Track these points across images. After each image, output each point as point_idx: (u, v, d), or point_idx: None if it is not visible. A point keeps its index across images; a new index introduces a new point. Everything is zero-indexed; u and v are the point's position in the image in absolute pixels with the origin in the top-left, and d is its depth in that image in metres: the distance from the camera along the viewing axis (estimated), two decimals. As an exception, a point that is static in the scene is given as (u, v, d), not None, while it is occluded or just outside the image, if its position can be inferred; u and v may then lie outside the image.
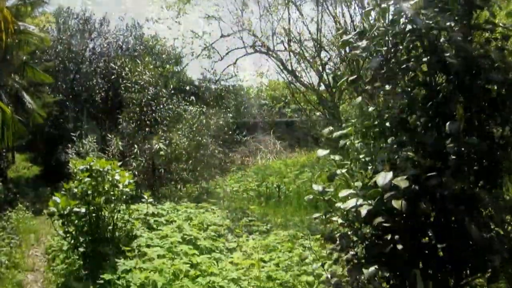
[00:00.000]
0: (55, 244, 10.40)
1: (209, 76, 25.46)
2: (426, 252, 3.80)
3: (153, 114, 13.15)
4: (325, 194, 4.33)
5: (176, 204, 11.74)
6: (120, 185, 8.09)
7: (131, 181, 8.34)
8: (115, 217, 8.50)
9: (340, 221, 4.33)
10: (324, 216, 4.61)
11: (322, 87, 26.08)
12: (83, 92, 23.36)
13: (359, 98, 4.57)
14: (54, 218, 7.88)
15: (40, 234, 12.53)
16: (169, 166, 13.10)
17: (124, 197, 8.49)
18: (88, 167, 8.00)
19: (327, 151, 4.33)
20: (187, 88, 20.65)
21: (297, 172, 19.81)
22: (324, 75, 25.42)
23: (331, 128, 4.64)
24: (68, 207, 7.49)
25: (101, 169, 8.00)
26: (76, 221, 7.85)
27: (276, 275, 7.54)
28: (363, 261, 3.93)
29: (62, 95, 21.71)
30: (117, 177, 8.09)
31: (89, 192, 7.99)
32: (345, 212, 4.11)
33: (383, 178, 3.39)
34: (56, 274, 8.92)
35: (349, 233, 4.20)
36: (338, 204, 4.19)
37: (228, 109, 14.89)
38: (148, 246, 8.70)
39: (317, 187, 4.35)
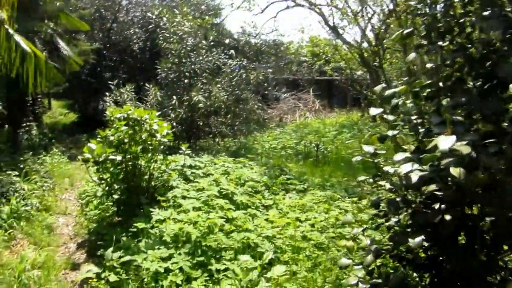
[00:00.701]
0: (89, 190, 10.43)
1: (249, 29, 25.06)
2: (470, 224, 3.61)
3: (192, 66, 12.88)
4: (376, 156, 4.07)
5: (214, 157, 11.59)
6: (158, 135, 7.92)
7: (169, 131, 8.14)
8: (152, 166, 8.33)
9: (388, 186, 4.06)
10: (372, 180, 4.35)
11: (364, 45, 25.55)
12: (120, 41, 23.19)
13: (413, 54, 4.23)
14: (88, 165, 7.78)
15: (74, 179, 12.63)
16: (207, 119, 12.89)
17: (162, 147, 8.34)
18: (126, 115, 7.84)
19: (380, 109, 4.01)
20: (226, 41, 20.22)
21: (335, 132, 19.52)
22: (368, 32, 24.82)
23: (383, 85, 4.30)
24: (104, 154, 7.35)
25: (138, 118, 7.83)
26: (112, 169, 7.71)
27: (311, 235, 7.39)
28: (408, 229, 3.78)
29: (99, 44, 21.63)
30: (155, 127, 7.90)
31: (126, 140, 7.84)
32: (394, 177, 3.86)
33: (445, 142, 3.04)
34: (88, 219, 8.94)
35: (397, 199, 3.95)
36: (387, 168, 3.90)
37: (268, 65, 14.43)
38: (183, 197, 8.59)
39: (368, 148, 4.05)
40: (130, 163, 7.90)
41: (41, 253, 7.39)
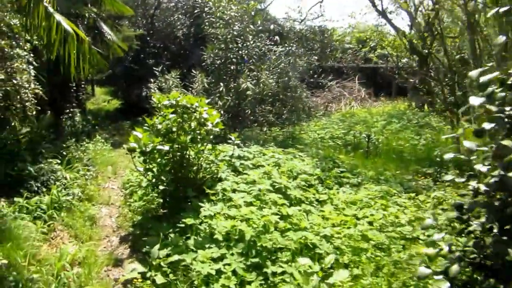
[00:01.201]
0: (133, 179, 9.93)
1: (294, 15, 24.13)
2: None
3: (240, 52, 12.20)
4: (473, 153, 3.60)
5: (262, 147, 10.94)
6: (209, 124, 7.27)
7: (219, 120, 7.49)
8: (200, 157, 7.72)
9: (482, 187, 3.53)
10: (464, 180, 3.84)
11: (413, 31, 24.37)
12: (164, 28, 22.67)
13: (502, 38, 3.61)
14: (134, 154, 7.21)
15: (117, 166, 12.17)
16: (254, 107, 12.22)
17: (211, 137, 7.71)
18: (174, 102, 7.21)
19: (482, 99, 3.38)
20: (271, 27, 19.43)
21: (383, 122, 18.56)
22: (418, 17, 23.56)
23: (480, 69, 3.66)
24: (151, 144, 6.75)
25: (188, 105, 7.19)
26: (159, 159, 7.10)
27: (371, 235, 6.78)
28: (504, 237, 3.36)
29: (143, 30, 21.18)
30: (205, 115, 7.26)
31: (174, 129, 7.24)
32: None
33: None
34: (133, 210, 8.44)
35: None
36: (478, 166, 3.47)
37: (313, 51, 13.58)
38: (234, 191, 7.98)
39: (469, 145, 3.47)
40: (178, 153, 7.28)
41: (81, 247, 6.93)
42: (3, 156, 8.88)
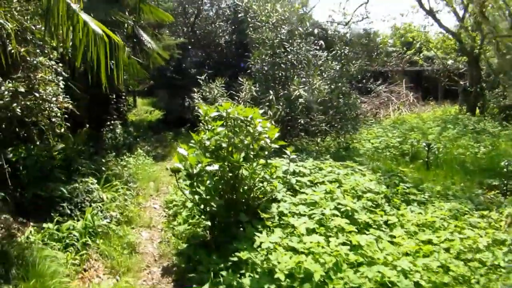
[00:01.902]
0: (177, 199, 8.84)
1: (338, 18, 22.71)
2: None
3: (289, 56, 11.00)
4: None
5: (316, 160, 9.69)
6: (267, 139, 6.04)
7: (277, 134, 6.22)
8: (256, 177, 6.50)
9: None
10: None
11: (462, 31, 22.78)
12: (205, 36, 21.67)
13: None
14: (179, 176, 6.09)
15: (160, 182, 11.11)
16: (306, 115, 10.94)
17: (266, 152, 6.49)
18: (224, 114, 6.04)
19: None
20: (315, 31, 18.16)
21: (438, 128, 16.97)
22: (467, 16, 21.96)
23: None
24: (199, 165, 5.56)
25: (241, 118, 6.01)
26: (208, 181, 5.87)
27: (451, 265, 5.66)
28: None
29: (183, 39, 20.26)
30: (259, 128, 6.05)
31: (224, 145, 6.06)
32: None
33: None
34: (177, 235, 7.33)
35: None
36: None
37: (359, 55, 12.23)
38: (292, 214, 6.81)
39: None
40: (229, 174, 6.09)
41: (118, 280, 5.89)
42: (34, 175, 7.92)
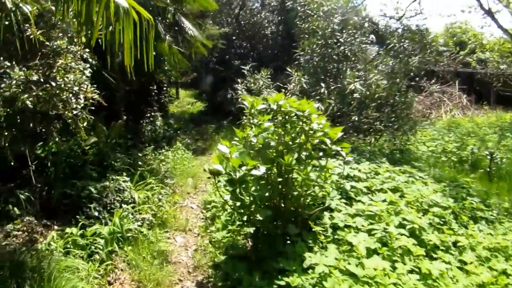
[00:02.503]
0: (216, 199, 7.86)
1: (390, 13, 21.21)
2: None
3: (341, 48, 9.83)
4: None
5: (370, 161, 8.49)
6: (327, 140, 4.91)
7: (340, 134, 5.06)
8: (310, 184, 5.37)
9: None
10: None
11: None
12: (250, 27, 20.58)
13: None
14: (219, 179, 5.08)
15: (199, 179, 10.14)
16: (361, 112, 9.72)
17: (320, 153, 5.38)
18: (275, 106, 4.95)
19: None
20: (366, 25, 16.79)
21: (495, 135, 15.30)
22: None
23: None
24: (243, 167, 4.51)
25: (295, 112, 4.91)
26: (253, 188, 4.77)
27: None
28: None
29: (228, 29, 19.25)
30: (314, 125, 4.95)
31: (272, 143, 4.98)
32: None
33: None
34: (214, 244, 6.35)
35: None
36: None
37: (412, 52, 10.88)
38: (348, 228, 5.72)
39: None
40: (279, 179, 5.01)
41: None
42: (62, 172, 7.08)
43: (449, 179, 8.55)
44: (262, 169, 4.59)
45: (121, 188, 7.04)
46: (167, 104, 17.25)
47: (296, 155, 4.85)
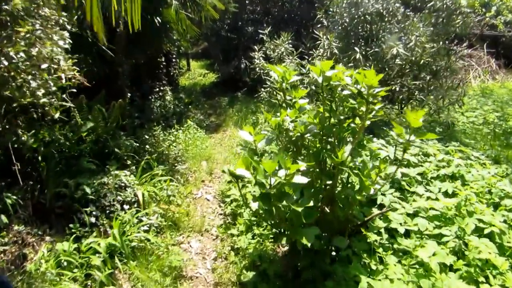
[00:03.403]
0: (236, 192, 6.46)
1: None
2: None
3: (375, 6, 8.15)
4: None
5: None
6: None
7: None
8: (368, 184, 3.90)
9: None
10: None
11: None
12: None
13: None
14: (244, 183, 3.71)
15: (213, 161, 8.74)
16: (401, 79, 8.06)
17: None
18: (321, 78, 3.42)
19: None
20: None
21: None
22: None
23: None
24: (282, 172, 2.93)
25: (357, 87, 3.38)
26: (294, 199, 3.27)
27: None
28: None
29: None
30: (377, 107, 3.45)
31: (317, 130, 3.50)
32: None
33: None
34: (237, 252, 5.03)
35: None
36: None
37: (455, 12, 9.10)
38: (407, 234, 4.34)
39: None
40: (329, 182, 3.54)
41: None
42: (56, 166, 5.71)
43: (508, 158, 7.03)
44: (304, 171, 3.16)
45: (123, 184, 5.67)
46: (177, 77, 15.76)
47: (349, 147, 3.39)
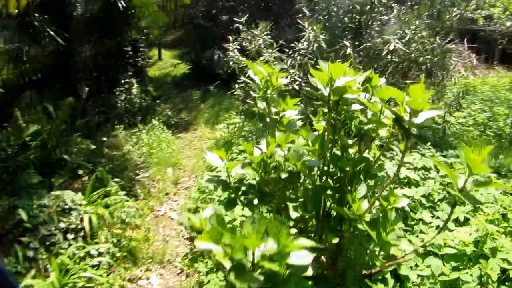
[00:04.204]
0: (207, 196, 5.38)
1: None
2: None
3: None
4: None
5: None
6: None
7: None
8: (385, 238, 2.84)
9: None
10: None
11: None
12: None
13: None
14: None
15: (180, 168, 7.60)
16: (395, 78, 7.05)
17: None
18: (327, 92, 2.29)
19: None
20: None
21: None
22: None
23: None
24: (269, 246, 1.81)
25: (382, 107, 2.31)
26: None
27: None
28: None
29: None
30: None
31: (312, 160, 2.42)
32: None
33: None
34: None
35: None
36: None
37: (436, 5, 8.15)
38: (420, 281, 3.40)
39: None
40: (335, 240, 2.44)
41: None
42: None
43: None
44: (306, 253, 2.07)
45: (67, 207, 4.49)
46: (146, 68, 14.44)
47: (364, 189, 2.32)
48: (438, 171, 5.31)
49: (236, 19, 7.65)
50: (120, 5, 8.66)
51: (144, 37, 13.58)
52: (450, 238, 3.92)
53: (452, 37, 8.43)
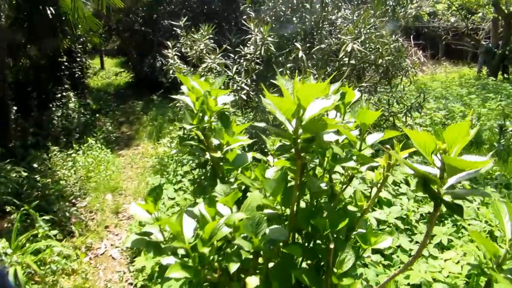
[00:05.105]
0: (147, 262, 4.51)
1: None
2: None
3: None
4: None
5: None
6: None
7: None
8: None
9: None
10: None
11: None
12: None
13: None
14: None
15: (121, 193, 6.71)
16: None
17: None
18: (295, 119, 1.53)
19: None
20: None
21: (473, 96, 12.20)
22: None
23: None
24: None
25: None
26: None
27: None
28: None
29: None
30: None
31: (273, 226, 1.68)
32: None
33: None
34: None
35: None
36: None
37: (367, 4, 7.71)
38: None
39: None
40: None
41: None
42: None
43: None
44: None
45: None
46: (84, 79, 13.32)
47: (351, 255, 1.60)
48: (408, 185, 4.70)
49: (174, 23, 6.85)
50: (49, 12, 7.72)
51: (80, 46, 12.51)
52: (438, 269, 3.31)
53: (399, 35, 7.98)
